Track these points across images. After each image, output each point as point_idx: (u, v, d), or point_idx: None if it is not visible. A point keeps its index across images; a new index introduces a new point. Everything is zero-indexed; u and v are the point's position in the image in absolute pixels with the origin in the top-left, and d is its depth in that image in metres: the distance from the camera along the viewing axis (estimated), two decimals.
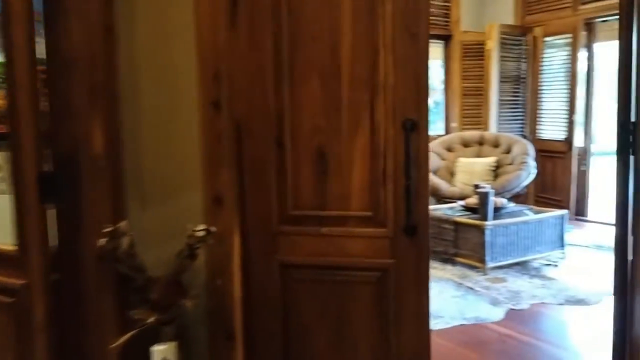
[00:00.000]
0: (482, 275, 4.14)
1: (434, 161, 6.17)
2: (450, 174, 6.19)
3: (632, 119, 1.60)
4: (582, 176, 6.35)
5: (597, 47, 6.31)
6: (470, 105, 6.83)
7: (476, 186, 4.93)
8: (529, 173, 5.65)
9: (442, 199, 5.71)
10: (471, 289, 3.84)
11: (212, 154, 1.78)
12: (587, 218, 6.34)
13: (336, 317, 1.84)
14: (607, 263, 4.56)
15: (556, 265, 4.42)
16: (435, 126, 9.14)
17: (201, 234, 1.60)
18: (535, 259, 4.48)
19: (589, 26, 6.27)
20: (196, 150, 1.79)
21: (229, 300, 1.80)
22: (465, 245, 4.36)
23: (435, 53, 7.33)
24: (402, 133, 1.71)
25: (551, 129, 6.50)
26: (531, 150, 5.88)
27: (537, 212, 4.79)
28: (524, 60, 6.73)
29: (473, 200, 4.71)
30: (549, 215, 4.57)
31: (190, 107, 1.81)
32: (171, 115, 1.85)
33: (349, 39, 1.77)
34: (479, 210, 4.44)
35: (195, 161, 1.79)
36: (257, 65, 1.83)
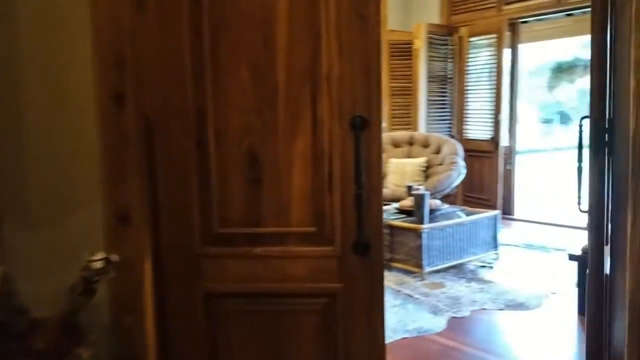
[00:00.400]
0: (419, 280, 3.97)
1: None
2: None
3: (607, 115, 1.42)
4: (508, 175, 6.40)
5: (521, 47, 6.38)
6: (399, 105, 6.73)
7: (409, 188, 4.78)
8: (459, 173, 5.59)
9: None
10: (410, 296, 3.65)
11: (114, 160, 1.42)
12: (514, 217, 6.40)
13: (275, 353, 1.54)
14: (540, 263, 4.63)
15: (491, 267, 4.34)
16: None
17: (99, 264, 1.24)
18: (470, 261, 4.38)
19: (513, 27, 6.34)
20: (94, 156, 1.42)
21: (140, 343, 1.45)
22: (402, 250, 4.18)
23: None
24: (351, 132, 1.43)
25: (477, 129, 6.51)
26: (460, 150, 5.83)
27: (469, 213, 4.71)
28: (450, 60, 6.71)
29: (408, 203, 4.55)
30: (483, 216, 4.49)
31: (87, 102, 1.44)
32: (62, 115, 1.47)
33: (285, 22, 1.47)
34: (414, 212, 4.27)
35: (93, 169, 1.43)
36: (171, 50, 1.49)
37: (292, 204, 1.48)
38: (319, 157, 1.47)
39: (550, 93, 8.95)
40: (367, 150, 1.44)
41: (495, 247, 4.56)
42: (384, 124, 6.82)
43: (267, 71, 1.48)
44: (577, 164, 2.26)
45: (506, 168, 6.36)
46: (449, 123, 6.79)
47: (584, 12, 7.28)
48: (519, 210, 6.51)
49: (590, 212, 1.50)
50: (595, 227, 1.50)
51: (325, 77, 1.46)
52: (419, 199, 4.15)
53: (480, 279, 4.05)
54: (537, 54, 6.54)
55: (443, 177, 5.48)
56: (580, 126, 2.25)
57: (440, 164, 5.85)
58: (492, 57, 6.21)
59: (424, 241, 4.00)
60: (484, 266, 4.37)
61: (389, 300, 3.54)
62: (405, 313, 3.36)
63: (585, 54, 8.22)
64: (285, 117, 1.47)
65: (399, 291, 3.75)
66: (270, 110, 1.47)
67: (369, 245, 1.44)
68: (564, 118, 27.35)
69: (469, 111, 6.62)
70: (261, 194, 1.48)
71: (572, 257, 3.30)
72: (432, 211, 4.41)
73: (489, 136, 6.28)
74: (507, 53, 6.22)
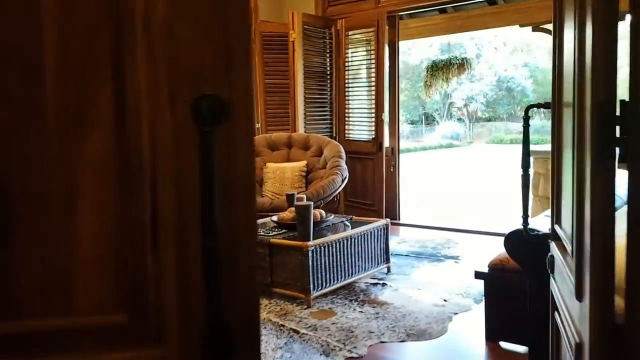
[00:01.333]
0: (305, 308, 3.35)
1: None
2: (258, 183, 5.35)
3: (621, 98, 0.87)
4: (392, 177, 6.05)
5: (401, 43, 6.06)
6: (274, 104, 6.09)
7: (289, 197, 4.16)
8: (343, 177, 5.08)
9: None
10: (296, 332, 3.00)
11: None
12: (400, 221, 6.06)
13: None
14: (434, 274, 4.11)
15: (384, 284, 3.85)
16: None
17: None
18: (361, 278, 3.86)
19: (392, 21, 5.99)
20: None
21: None
22: (284, 272, 3.53)
23: None
24: (194, 127, 0.74)
25: (359, 129, 6.09)
26: (343, 151, 5.34)
27: (356, 223, 4.20)
28: (329, 54, 6.22)
29: (289, 215, 3.92)
30: (373, 226, 3.99)
31: None
32: None
33: None
34: (296, 226, 3.65)
35: None
36: None
37: (78, 271, 0.75)
38: (130, 175, 0.75)
39: (426, 92, 8.86)
40: (228, 160, 0.76)
41: (387, 259, 4.09)
42: (258, 125, 6.15)
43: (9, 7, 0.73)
44: (522, 170, 1.75)
45: (390, 170, 6.00)
46: (329, 123, 6.30)
47: (456, 9, 7.22)
48: (404, 215, 6.19)
49: (593, 238, 0.95)
50: (601, 260, 0.95)
51: (142, 19, 0.75)
52: (303, 211, 3.53)
53: (374, 300, 3.53)
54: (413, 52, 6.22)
55: (326, 182, 4.93)
56: (526, 119, 1.74)
57: (322, 168, 5.31)
58: (372, 52, 5.81)
59: (310, 260, 3.39)
60: (377, 284, 3.87)
61: (271, 341, 2.87)
62: (291, 358, 2.70)
63: (460, 52, 8.29)
64: (57, 100, 0.74)
65: (282, 326, 3.09)
66: (22, 88, 0.73)
67: (231, 344, 0.75)
68: (429, 119, 28.76)
69: (351, 110, 6.17)
70: (10, 257, 0.73)
71: (478, 275, 2.87)
72: (316, 223, 3.83)
73: (371, 136, 5.87)
74: (387, 48, 5.86)
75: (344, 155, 5.30)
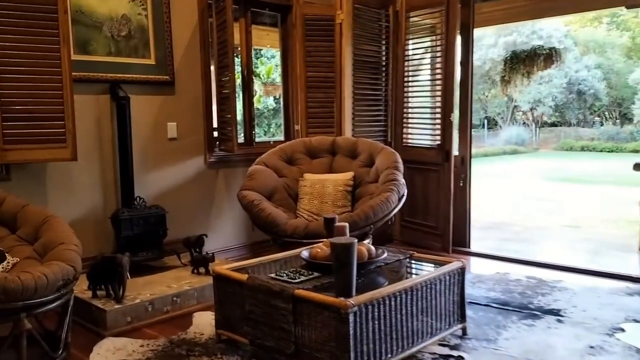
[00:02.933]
0: None
1: (268, 180, 4.23)
2: (292, 198, 4.29)
3: None
4: (461, 193, 4.84)
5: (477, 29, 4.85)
6: (317, 101, 5.02)
7: (328, 222, 3.08)
8: (400, 195, 3.94)
9: (280, 238, 3.78)
10: None
11: None
12: (470, 249, 4.85)
13: None
14: (533, 342, 2.81)
15: (461, 359, 2.69)
16: (274, 130, 7.24)
17: None
18: (425, 347, 2.71)
19: (467, 3, 4.80)
20: None
21: None
22: (314, 339, 2.44)
23: (271, 37, 5.51)
24: None
25: (421, 133, 4.93)
26: (400, 162, 4.19)
27: (420, 262, 3.07)
28: (384, 42, 5.10)
29: (324, 250, 2.82)
30: (444, 271, 2.82)
31: None
32: None
33: None
34: (333, 270, 2.55)
35: None
36: None
37: None
38: None
39: (503, 89, 7.55)
40: None
41: (462, 316, 2.92)
42: (298, 127, 5.09)
43: None
44: None
45: (458, 184, 4.80)
46: (383, 125, 5.16)
47: None
48: (475, 241, 4.97)
49: None
50: None
51: None
52: (342, 254, 2.41)
53: None
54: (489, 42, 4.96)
55: (378, 202, 3.80)
56: None
57: (373, 182, 4.19)
58: (440, 38, 4.65)
59: (352, 326, 2.28)
60: (449, 357, 2.71)
61: None
62: None
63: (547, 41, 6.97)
64: None
65: None
66: None
67: None
68: (490, 123, 26.95)
69: (411, 110, 5.02)
70: None
71: None
72: (362, 265, 2.72)
73: (436, 143, 4.70)
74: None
75: (401, 166, 4.16)
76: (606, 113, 26.22)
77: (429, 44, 4.86)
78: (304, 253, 2.96)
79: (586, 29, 24.12)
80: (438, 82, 4.67)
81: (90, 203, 3.88)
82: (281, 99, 5.37)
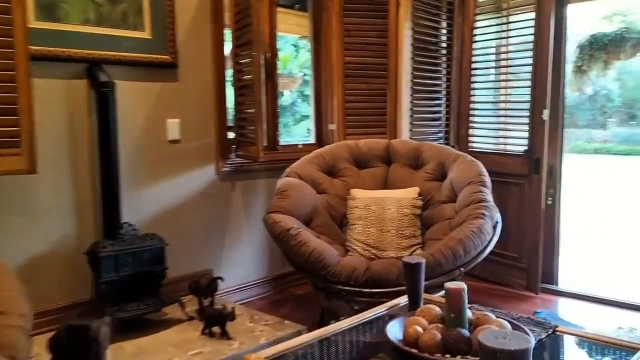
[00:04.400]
0: None
1: (306, 199, 3.11)
2: (337, 223, 3.17)
3: None
4: (549, 215, 3.71)
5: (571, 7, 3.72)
6: (359, 94, 3.91)
7: (411, 269, 1.99)
8: (494, 221, 2.81)
9: (328, 284, 2.65)
10: None
11: None
12: (559, 288, 3.73)
13: None
14: None
15: None
16: (300, 130, 6.17)
17: None
18: None
19: None
20: None
21: None
22: None
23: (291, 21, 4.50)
24: None
25: (497, 135, 3.82)
26: (486, 174, 3.08)
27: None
28: (446, 27, 3.98)
29: (430, 338, 1.69)
30: None
31: None
32: None
33: None
34: None
35: None
36: None
37: None
38: None
39: (576, 81, 6.44)
40: None
41: None
42: (334, 126, 3.97)
43: None
44: None
45: (547, 203, 3.68)
46: (443, 125, 4.04)
47: None
48: (565, 277, 3.84)
49: None
50: None
51: None
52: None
53: None
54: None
55: (469, 232, 2.66)
56: None
57: (448, 201, 3.08)
58: (531, 12, 3.53)
59: None
60: None
61: None
62: None
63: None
64: None
65: None
66: None
67: None
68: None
69: (479, 106, 3.91)
70: None
71: None
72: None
73: (522, 148, 3.58)
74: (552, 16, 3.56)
75: (488, 181, 3.04)
76: (616, 114, 25.19)
77: (499, 21, 3.75)
78: (393, 331, 1.82)
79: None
80: (524, 69, 3.55)
81: (57, 233, 2.75)
82: (311, 93, 4.23)
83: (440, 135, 3.99)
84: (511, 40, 3.65)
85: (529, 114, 3.51)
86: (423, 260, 2.13)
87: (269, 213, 2.94)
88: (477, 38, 3.83)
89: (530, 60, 3.48)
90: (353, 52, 3.89)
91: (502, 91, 3.80)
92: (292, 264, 2.84)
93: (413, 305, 2.21)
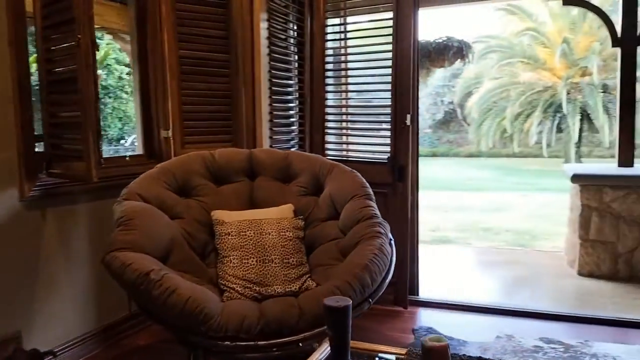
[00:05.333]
0: None
1: (159, 229, 2.40)
2: (200, 255, 2.52)
3: None
4: (410, 223, 3.57)
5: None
6: (198, 94, 3.30)
7: (335, 313, 1.55)
8: (389, 238, 2.49)
9: (211, 340, 2.02)
10: None
11: None
12: (422, 298, 3.61)
13: None
14: None
15: None
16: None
17: None
18: None
19: None
20: None
21: None
22: None
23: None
24: None
25: (357, 142, 3.55)
26: (368, 186, 2.75)
27: None
28: (296, 22, 3.57)
29: None
30: None
31: None
32: None
33: None
34: None
35: None
36: None
37: None
38: None
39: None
40: None
41: None
42: (168, 133, 3.28)
43: None
44: None
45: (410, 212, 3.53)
46: (297, 132, 3.64)
47: None
48: (425, 287, 3.74)
49: None
50: None
51: None
52: None
53: None
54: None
55: (371, 255, 2.28)
56: None
57: (329, 219, 2.68)
58: (387, 12, 3.32)
59: None
60: None
61: None
62: None
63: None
64: None
65: None
66: None
67: None
68: None
69: (336, 110, 3.60)
70: None
71: None
72: None
73: (385, 155, 3.36)
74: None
75: (372, 193, 2.72)
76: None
77: (358, 19, 3.51)
78: None
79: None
80: (382, 71, 3.34)
81: None
82: (135, 93, 3.45)
83: (294, 142, 3.58)
84: (369, 41, 3.41)
85: (391, 118, 3.30)
86: (349, 302, 1.69)
87: (111, 252, 2.17)
88: (329, 37, 3.51)
89: (390, 63, 3.28)
90: (191, 44, 3.26)
91: (363, 95, 3.54)
92: (152, 317, 2.12)
93: (339, 357, 1.76)
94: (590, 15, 16.12)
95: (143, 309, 2.12)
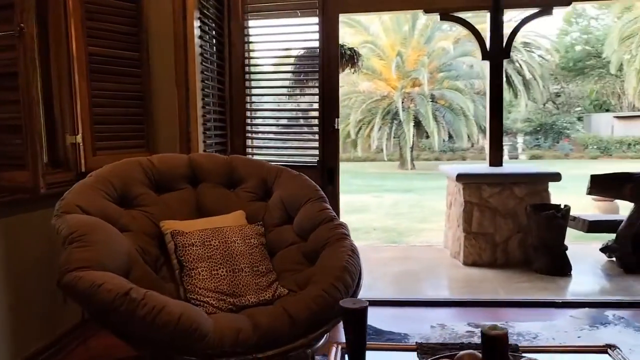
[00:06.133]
0: None
1: (115, 244, 2.17)
2: (156, 271, 2.32)
3: None
4: None
5: None
6: (109, 95, 3.02)
7: (353, 316, 1.74)
8: (352, 243, 2.53)
9: (207, 358, 1.87)
10: None
11: None
12: None
13: None
14: None
15: None
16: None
17: None
18: None
19: None
20: None
21: None
22: None
23: None
24: None
25: (285, 146, 3.53)
26: (320, 189, 2.76)
27: None
28: (215, 21, 3.42)
29: None
30: None
31: None
32: None
33: None
34: None
35: None
36: None
37: None
38: None
39: None
40: None
41: None
42: (75, 139, 2.97)
43: None
44: None
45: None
46: (220, 136, 3.49)
47: None
48: None
49: None
50: None
51: None
52: None
53: None
54: None
55: (346, 256, 2.30)
56: None
57: (283, 223, 2.63)
58: (313, 22, 3.36)
59: None
60: None
61: None
62: None
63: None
64: None
65: None
66: None
67: None
68: None
69: (260, 114, 3.53)
70: None
71: None
72: None
73: (315, 159, 3.38)
74: None
75: (324, 195, 2.73)
76: None
77: (282, 22, 3.50)
78: None
79: None
80: (311, 76, 3.37)
81: None
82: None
83: (218, 147, 3.43)
84: (295, 45, 3.42)
85: (319, 122, 3.35)
86: (367, 303, 1.73)
87: (69, 272, 1.90)
88: (253, 39, 3.45)
89: (317, 67, 3.33)
90: (101, 40, 2.98)
91: (291, 99, 3.53)
92: (129, 341, 1.90)
93: (358, 358, 1.78)
94: (418, 31, 17.94)
95: (119, 332, 1.89)
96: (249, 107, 3.48)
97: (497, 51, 4.75)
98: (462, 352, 1.55)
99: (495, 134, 4.86)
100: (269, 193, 2.73)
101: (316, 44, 3.31)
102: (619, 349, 1.75)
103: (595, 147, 21.56)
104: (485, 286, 4.12)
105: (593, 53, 23.92)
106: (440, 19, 5.02)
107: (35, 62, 1.96)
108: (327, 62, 3.33)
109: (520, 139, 22.64)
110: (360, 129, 17.92)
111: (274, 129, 3.58)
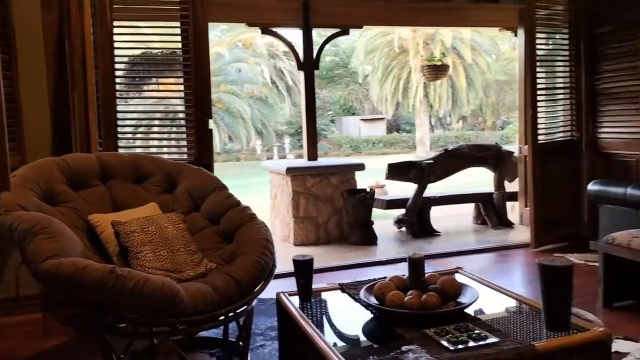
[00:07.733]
0: None
1: (71, 235, 2.36)
2: (104, 259, 2.53)
3: None
4: None
5: None
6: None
7: (303, 265, 2.67)
8: (262, 221, 3.04)
9: (183, 318, 2.24)
10: None
11: None
12: None
13: None
14: None
15: None
16: None
17: None
18: None
19: None
20: None
21: None
22: None
23: None
24: None
25: (160, 145, 3.77)
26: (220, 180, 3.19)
27: None
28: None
29: (413, 300, 2.07)
30: None
31: None
32: None
33: None
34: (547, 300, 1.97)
35: None
36: None
37: None
38: None
39: None
40: None
41: None
42: None
43: None
44: None
45: None
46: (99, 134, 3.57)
47: None
48: None
49: None
50: None
51: None
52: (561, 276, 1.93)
53: None
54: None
55: (261, 229, 2.82)
56: None
57: (191, 211, 3.02)
58: (176, 26, 3.69)
59: None
60: None
61: None
62: None
63: None
64: None
65: None
66: None
67: None
68: None
69: (131, 115, 3.72)
70: None
71: None
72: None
73: (192, 157, 3.74)
74: None
75: (225, 184, 3.19)
76: None
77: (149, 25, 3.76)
78: (365, 294, 2.05)
79: None
80: (182, 79, 3.72)
81: None
82: None
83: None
84: (161, 48, 3.72)
85: (193, 123, 3.73)
86: (311, 256, 2.37)
87: (43, 260, 2.08)
88: (118, 45, 3.63)
89: (189, 70, 3.70)
90: None
91: (162, 101, 3.78)
92: (118, 313, 2.15)
93: (305, 297, 2.37)
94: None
95: (97, 306, 2.12)
96: (117, 109, 3.65)
97: (310, 63, 5.63)
98: (390, 276, 2.26)
99: (311, 133, 5.73)
100: (174, 186, 3.06)
101: (188, 47, 3.67)
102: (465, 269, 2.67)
103: (348, 145, 24.74)
104: (319, 259, 4.95)
105: (341, 63, 27.34)
106: (262, 33, 5.71)
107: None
108: (200, 67, 3.69)
109: (287, 140, 24.72)
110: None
111: (153, 129, 3.82)
